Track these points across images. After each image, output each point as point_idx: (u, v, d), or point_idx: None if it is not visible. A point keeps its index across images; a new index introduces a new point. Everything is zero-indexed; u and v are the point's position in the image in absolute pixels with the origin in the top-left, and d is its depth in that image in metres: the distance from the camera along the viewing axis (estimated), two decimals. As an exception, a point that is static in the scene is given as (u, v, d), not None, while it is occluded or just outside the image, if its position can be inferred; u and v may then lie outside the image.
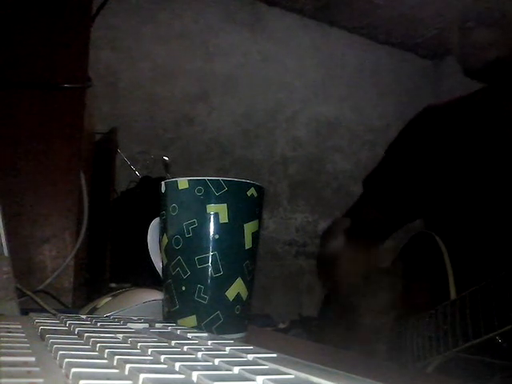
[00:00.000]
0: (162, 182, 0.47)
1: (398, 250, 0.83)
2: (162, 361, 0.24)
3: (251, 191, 0.45)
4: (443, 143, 0.82)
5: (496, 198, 0.72)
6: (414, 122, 0.89)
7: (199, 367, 0.22)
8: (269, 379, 0.20)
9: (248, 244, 0.44)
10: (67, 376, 0.20)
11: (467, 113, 0.81)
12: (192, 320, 0.43)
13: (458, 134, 0.80)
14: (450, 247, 0.71)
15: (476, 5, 0.70)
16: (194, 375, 0.21)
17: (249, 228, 0.44)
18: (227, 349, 0.27)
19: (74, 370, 0.20)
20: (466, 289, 0.63)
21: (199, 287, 0.43)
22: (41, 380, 0.19)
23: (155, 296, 0.53)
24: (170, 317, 0.44)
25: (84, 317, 0.39)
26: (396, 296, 0.73)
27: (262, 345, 0.30)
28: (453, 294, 0.66)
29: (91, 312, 0.53)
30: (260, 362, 0.24)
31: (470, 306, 0.60)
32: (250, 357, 0.25)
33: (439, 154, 0.82)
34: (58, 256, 0.78)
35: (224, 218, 0.43)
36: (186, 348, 0.27)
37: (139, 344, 0.27)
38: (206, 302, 0.43)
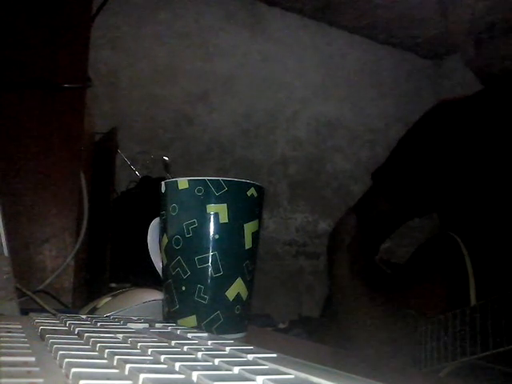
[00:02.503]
0: (162, 182, 0.47)
1: (415, 249, 0.83)
2: (162, 361, 0.24)
3: (251, 191, 0.45)
4: (458, 137, 0.81)
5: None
6: (428, 116, 0.89)
7: (199, 367, 0.22)
8: (269, 379, 0.20)
9: (248, 244, 0.44)
10: (67, 376, 0.20)
11: (483, 107, 0.80)
12: (192, 320, 0.43)
13: (472, 128, 0.80)
14: (470, 247, 0.69)
15: (486, 16, 0.68)
16: (194, 375, 0.21)
17: (249, 228, 0.44)
18: (227, 349, 0.27)
19: (73, 370, 0.20)
20: (486, 294, 0.62)
21: (199, 287, 0.43)
22: (41, 380, 0.19)
23: (155, 296, 0.53)
24: (170, 317, 0.44)
25: (84, 317, 0.39)
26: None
27: (262, 345, 0.30)
28: (473, 299, 0.64)
29: (91, 312, 0.53)
30: (260, 361, 0.24)
31: (491, 314, 0.58)
32: (250, 357, 0.25)
33: (454, 148, 0.81)
34: (58, 256, 0.78)
35: (224, 218, 0.43)
36: (185, 348, 0.27)
37: (139, 344, 0.27)
38: (206, 302, 0.43)
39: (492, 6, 0.68)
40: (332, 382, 0.20)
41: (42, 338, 0.29)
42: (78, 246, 0.79)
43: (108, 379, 0.19)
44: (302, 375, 0.21)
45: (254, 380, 0.20)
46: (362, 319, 0.75)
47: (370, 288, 0.79)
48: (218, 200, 0.43)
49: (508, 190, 0.72)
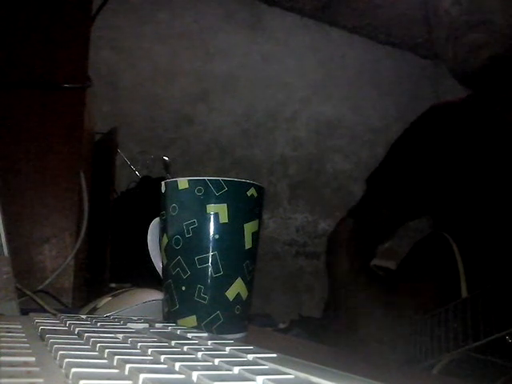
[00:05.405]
0: (162, 182, 0.47)
1: (409, 249, 0.84)
2: (162, 361, 0.24)
3: (251, 191, 0.45)
4: (449, 141, 0.82)
5: (503, 195, 0.72)
6: (420, 120, 0.90)
7: (199, 367, 0.22)
8: (269, 379, 0.20)
9: (248, 244, 0.44)
10: (67, 376, 0.20)
11: (473, 111, 0.81)
12: (192, 320, 0.43)
13: (463, 132, 0.80)
14: (461, 246, 0.71)
15: (462, 15, 0.73)
16: (194, 375, 0.21)
17: (249, 228, 0.44)
18: (227, 349, 0.27)
19: (73, 370, 0.20)
20: (477, 288, 0.63)
21: (199, 287, 0.43)
22: (41, 380, 0.19)
23: (155, 296, 0.53)
24: (170, 317, 0.44)
25: (84, 317, 0.39)
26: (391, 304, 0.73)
27: (262, 345, 0.30)
28: (464, 293, 0.65)
29: (91, 312, 0.53)
30: (260, 362, 0.24)
31: (481, 305, 0.59)
32: (250, 357, 0.25)
33: (445, 152, 0.82)
34: (58, 256, 0.78)
35: (224, 218, 0.43)
36: (185, 348, 0.27)
37: (139, 344, 0.27)
38: (206, 302, 0.43)
39: (465, 9, 0.73)
40: (332, 382, 0.20)
41: (41, 338, 0.29)
42: (78, 246, 0.79)
43: (108, 379, 0.19)
44: (302, 375, 0.21)
45: (253, 380, 0.20)
46: (370, 306, 0.75)
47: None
48: (218, 200, 0.43)
49: (500, 191, 0.73)
